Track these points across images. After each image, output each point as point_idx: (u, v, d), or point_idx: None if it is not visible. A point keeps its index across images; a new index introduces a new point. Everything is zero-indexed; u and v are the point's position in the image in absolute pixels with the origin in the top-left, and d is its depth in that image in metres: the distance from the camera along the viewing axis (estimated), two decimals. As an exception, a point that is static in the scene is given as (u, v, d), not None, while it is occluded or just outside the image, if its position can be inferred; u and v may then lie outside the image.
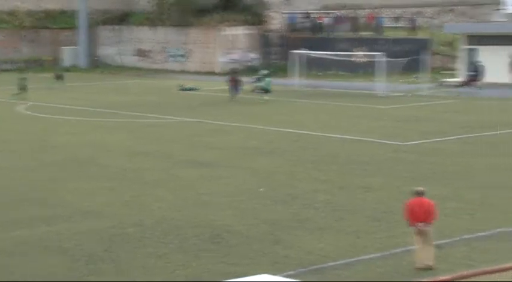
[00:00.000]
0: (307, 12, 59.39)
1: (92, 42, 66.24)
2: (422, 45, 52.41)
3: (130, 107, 39.65)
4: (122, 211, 18.38)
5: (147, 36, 64.73)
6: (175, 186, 20.99)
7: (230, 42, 60.00)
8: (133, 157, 25.42)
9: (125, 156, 25.54)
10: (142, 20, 65.13)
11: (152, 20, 64.03)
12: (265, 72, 44.67)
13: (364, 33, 57.99)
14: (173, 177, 22.16)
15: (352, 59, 50.42)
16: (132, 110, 38.31)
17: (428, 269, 13.83)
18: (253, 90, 43.17)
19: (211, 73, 59.12)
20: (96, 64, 65.66)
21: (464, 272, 9.51)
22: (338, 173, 22.49)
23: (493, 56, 45.63)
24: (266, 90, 42.83)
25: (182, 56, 62.64)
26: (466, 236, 16.00)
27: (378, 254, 15.03)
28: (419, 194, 14.17)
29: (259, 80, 43.76)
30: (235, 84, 42.73)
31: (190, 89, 48.34)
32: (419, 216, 13.96)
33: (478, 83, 45.73)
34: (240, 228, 16.84)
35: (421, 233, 13.99)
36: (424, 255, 13.95)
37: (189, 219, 17.62)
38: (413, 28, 57.55)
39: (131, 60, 65.26)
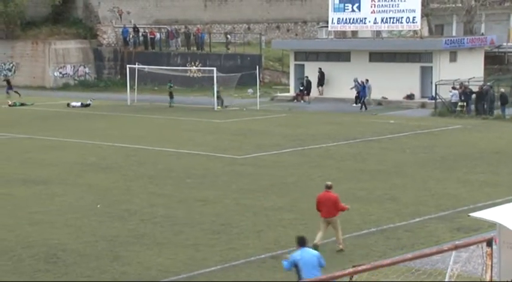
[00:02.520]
0: (137, 27, 59.07)
1: None
2: (253, 61, 53.56)
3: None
4: (-51, 233, 17.28)
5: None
6: (7, 205, 20.05)
7: (61, 56, 58.37)
8: (-40, 176, 24.03)
9: (-50, 175, 24.11)
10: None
11: (-27, 32, 61.04)
12: None
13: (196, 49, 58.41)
14: (4, 196, 21.18)
15: (187, 74, 50.60)
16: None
17: (340, 250, 15.86)
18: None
19: (42, 88, 57.21)
20: None
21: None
22: (175, 187, 22.40)
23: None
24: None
25: (9, 70, 60.21)
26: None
27: (219, 267, 15.07)
28: (328, 188, 16.11)
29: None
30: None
31: (22, 105, 46.48)
32: (327, 207, 15.83)
33: (307, 97, 47.29)
34: (76, 246, 16.33)
35: (328, 222, 15.91)
36: (337, 240, 16.06)
37: (23, 239, 16.88)
38: (243, 44, 58.74)
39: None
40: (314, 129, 34.92)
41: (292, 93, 49.25)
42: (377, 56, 45.96)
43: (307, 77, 47.76)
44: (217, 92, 44.09)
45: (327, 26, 50.62)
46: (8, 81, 52.19)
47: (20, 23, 59.20)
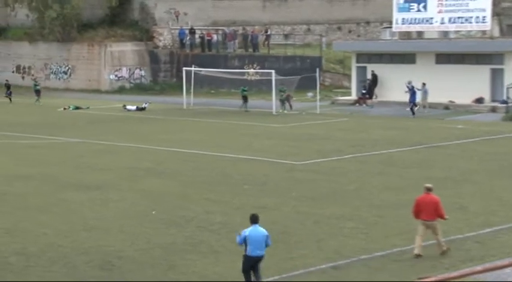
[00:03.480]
0: (193, 29, 59.53)
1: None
2: (313, 63, 53.46)
3: (11, 127, 38.42)
4: (3, 239, 17.66)
5: (27, 52, 63.06)
6: (61, 211, 20.39)
7: (117, 59, 59.26)
8: (15, 181, 24.57)
9: (5, 180, 24.66)
10: (21, 35, 63.38)
11: (32, 35, 62.44)
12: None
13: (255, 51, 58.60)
14: (59, 202, 21.54)
15: (244, 77, 50.80)
16: (12, 130, 37.13)
17: (444, 252, 16.07)
18: None
19: (98, 91, 58.16)
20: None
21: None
22: (232, 193, 22.46)
23: (383, 74, 47.03)
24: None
25: (65, 72, 61.36)
26: (363, 256, 16.24)
27: (276, 277, 15.03)
28: (429, 190, 16.22)
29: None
30: None
31: (76, 108, 47.36)
32: (428, 210, 15.93)
33: (369, 101, 46.98)
34: (131, 254, 16.50)
35: (427, 226, 15.98)
36: (438, 244, 16.16)
37: (77, 245, 17.13)
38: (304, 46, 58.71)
39: (10, 77, 63.09)
40: (376, 135, 34.65)
41: (353, 96, 49.00)
42: (444, 58, 45.36)
43: (369, 80, 47.46)
44: (285, 95, 44.10)
45: (391, 27, 50.21)
46: (8, 86, 53.12)
47: (77, 26, 60.28)
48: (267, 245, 14.07)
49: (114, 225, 18.81)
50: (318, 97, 45.37)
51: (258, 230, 13.98)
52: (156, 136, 35.01)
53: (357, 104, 47.49)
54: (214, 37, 59.79)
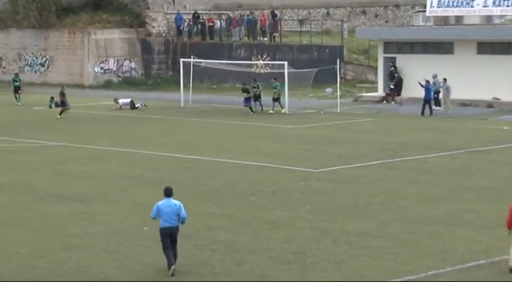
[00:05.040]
0: (197, 13, 59.60)
1: None
2: (333, 53, 53.49)
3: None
4: (-29, 258, 17.76)
5: (-2, 41, 63.32)
6: (38, 227, 20.47)
7: (103, 48, 59.48)
8: (-16, 190, 24.69)
9: (-27, 190, 24.81)
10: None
11: (3, 20, 62.63)
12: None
13: (265, 39, 58.77)
14: (35, 215, 21.62)
15: (252, 69, 50.90)
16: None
17: None
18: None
19: (80, 86, 58.35)
20: None
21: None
22: (238, 206, 22.51)
23: (415, 66, 47.00)
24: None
25: (42, 64, 61.61)
26: (392, 281, 16.26)
27: (290, 304, 15.08)
28: None
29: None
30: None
31: (57, 105, 47.47)
32: None
33: (399, 98, 46.98)
34: (119, 276, 16.58)
35: None
36: None
37: (55, 267, 17.19)
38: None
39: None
40: (408, 137, 34.66)
41: (380, 92, 49.00)
42: (487, 47, 45.36)
43: (397, 72, 47.43)
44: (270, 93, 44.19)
45: (425, 11, 50.19)
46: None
47: (55, 10, 60.48)
48: (182, 218, 16.57)
49: (99, 244, 18.86)
50: (338, 93, 45.37)
51: (170, 202, 16.57)
52: (149, 139, 35.10)
53: (384, 102, 47.53)
54: (217, 23, 59.96)
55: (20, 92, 49.50)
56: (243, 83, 45.88)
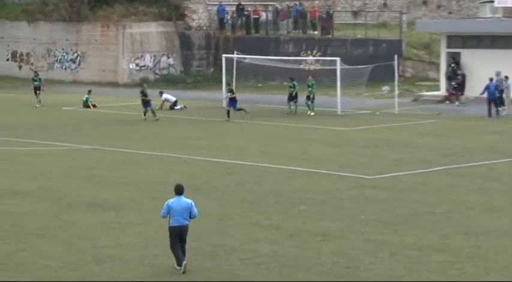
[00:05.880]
0: (241, 4, 59.71)
1: None
2: (390, 48, 53.26)
3: (4, 130, 39.03)
4: (-6, 271, 17.94)
5: (25, 35, 63.78)
6: (67, 237, 20.61)
7: (138, 43, 59.83)
8: (9, 198, 24.90)
9: (-3, 197, 25.07)
10: (18, 12, 64.16)
11: (31, 12, 63.16)
12: None
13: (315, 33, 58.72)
14: (64, 225, 21.77)
15: (301, 66, 50.88)
16: (5, 134, 37.71)
17: None
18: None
19: (114, 84, 58.74)
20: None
21: None
22: (285, 216, 22.48)
23: (481, 62, 46.66)
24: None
25: (73, 61, 62.09)
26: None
27: (342, 324, 15.01)
28: None
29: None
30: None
31: (88, 106, 47.85)
32: None
33: (463, 97, 46.67)
34: (156, 292, 16.64)
35: None
36: None
37: (88, 280, 17.28)
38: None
39: (3, 67, 64.17)
40: (473, 141, 34.47)
41: (442, 91, 48.72)
42: None
43: (460, 69, 47.12)
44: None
45: (493, 1, 49.81)
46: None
47: (88, 1, 60.92)
48: (193, 216, 17.47)
49: (133, 256, 18.95)
50: (396, 92, 45.20)
51: (181, 200, 17.43)
52: (188, 142, 35.23)
53: (447, 102, 47.26)
54: (263, 15, 60.01)
55: (39, 92, 48.97)
56: (227, 83, 46.01)
